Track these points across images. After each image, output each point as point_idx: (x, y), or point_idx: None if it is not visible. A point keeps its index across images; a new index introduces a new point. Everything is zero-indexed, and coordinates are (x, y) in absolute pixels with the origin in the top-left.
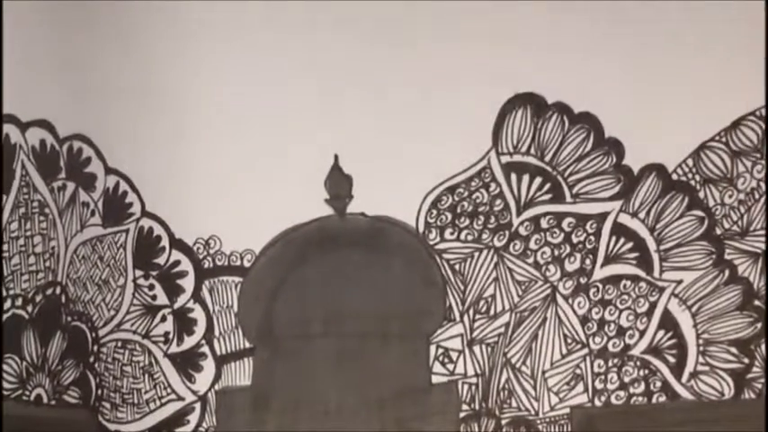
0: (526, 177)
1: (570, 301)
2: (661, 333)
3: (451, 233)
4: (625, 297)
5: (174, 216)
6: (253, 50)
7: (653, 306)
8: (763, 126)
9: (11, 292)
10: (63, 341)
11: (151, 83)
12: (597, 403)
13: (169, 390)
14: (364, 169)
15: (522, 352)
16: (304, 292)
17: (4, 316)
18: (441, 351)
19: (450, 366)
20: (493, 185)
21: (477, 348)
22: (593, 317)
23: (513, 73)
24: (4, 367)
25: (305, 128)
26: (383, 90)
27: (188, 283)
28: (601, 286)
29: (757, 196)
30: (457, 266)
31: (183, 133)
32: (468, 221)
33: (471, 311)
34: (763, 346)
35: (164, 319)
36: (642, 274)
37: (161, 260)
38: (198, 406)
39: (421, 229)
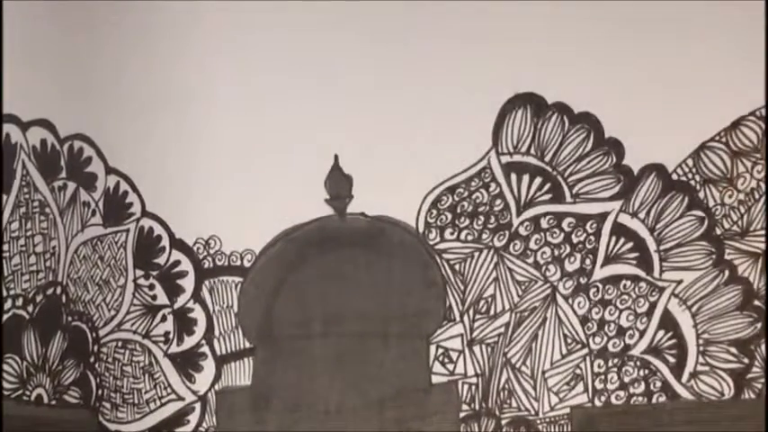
0: (526, 177)
1: (570, 301)
2: (661, 333)
3: (451, 233)
4: (625, 297)
5: (175, 216)
6: (253, 51)
7: (653, 306)
8: (763, 126)
9: (11, 292)
10: (63, 341)
11: (152, 83)
12: (597, 403)
13: (169, 390)
14: (364, 169)
15: (522, 352)
16: (304, 292)
17: (5, 316)
18: (441, 351)
19: (451, 366)
20: (493, 185)
21: (477, 348)
22: (593, 317)
23: (513, 73)
24: (5, 367)
25: (305, 128)
26: (383, 90)
27: (188, 283)
28: (601, 286)
29: (757, 196)
30: (457, 266)
31: (184, 133)
32: (468, 221)
33: (471, 311)
34: (763, 347)
35: (164, 318)
36: (642, 274)
37: (161, 260)
38: (198, 406)
39: (421, 229)
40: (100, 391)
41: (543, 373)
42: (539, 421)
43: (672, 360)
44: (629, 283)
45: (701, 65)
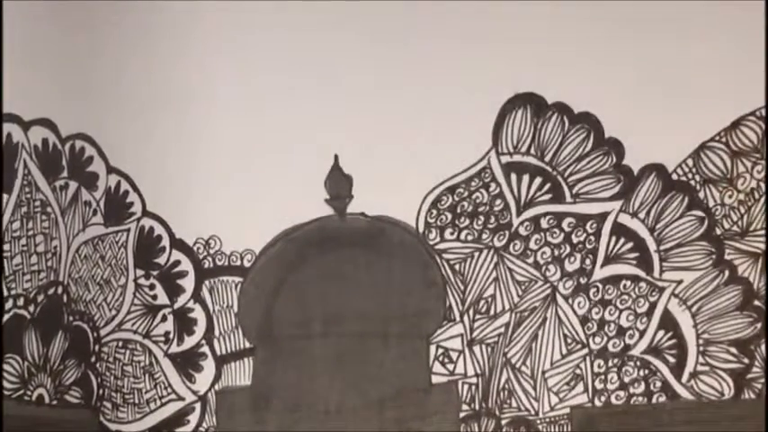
0: (526, 177)
1: (570, 301)
2: (661, 333)
3: (451, 233)
4: (625, 297)
5: (175, 216)
6: (253, 51)
7: (653, 306)
8: (763, 126)
9: (12, 292)
10: (65, 341)
11: (153, 83)
12: (597, 403)
13: (169, 390)
14: (364, 169)
15: (522, 352)
16: (304, 292)
17: (6, 316)
18: (441, 351)
19: (450, 366)
20: (493, 185)
21: (477, 348)
22: (593, 317)
23: (513, 73)
24: (6, 367)
25: (305, 128)
26: (383, 90)
27: (188, 282)
28: (601, 286)
29: (757, 196)
30: (457, 266)
31: (184, 133)
32: (468, 221)
33: (471, 311)
34: (763, 347)
35: (164, 318)
36: (642, 274)
37: (161, 260)
38: (198, 406)
39: (421, 229)
40: (101, 391)
41: (543, 373)
42: (539, 421)
43: (672, 360)
44: (629, 283)
45: (702, 65)
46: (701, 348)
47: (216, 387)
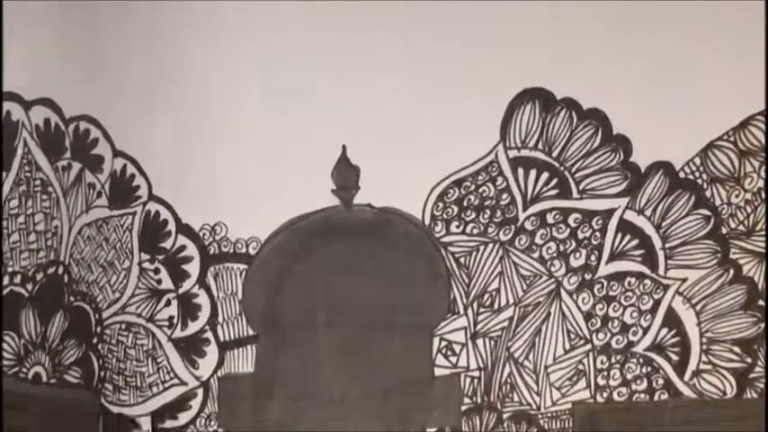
0: (533, 172)
1: (574, 296)
2: (665, 331)
3: (457, 226)
4: (629, 294)
5: (181, 201)
6: (262, 41)
7: (657, 303)
8: (766, 126)
9: (9, 270)
10: (65, 320)
11: (161, 69)
12: (599, 399)
13: (172, 374)
14: (372, 161)
15: (525, 346)
16: (309, 281)
17: (4, 291)
18: (444, 344)
19: (453, 359)
20: (500, 180)
21: (480, 342)
22: (596, 313)
23: (522, 68)
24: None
25: (314, 118)
26: (392, 83)
27: (193, 268)
28: (605, 282)
29: (764, 196)
30: (462, 260)
31: (193, 120)
32: (474, 215)
33: (475, 305)
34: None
35: (168, 303)
36: (647, 271)
37: (167, 244)
38: (200, 392)
39: (427, 221)
40: (102, 373)
41: (546, 368)
42: (540, 416)
43: (675, 358)
44: (633, 280)
45: (711, 64)
46: (705, 347)
47: (218, 373)
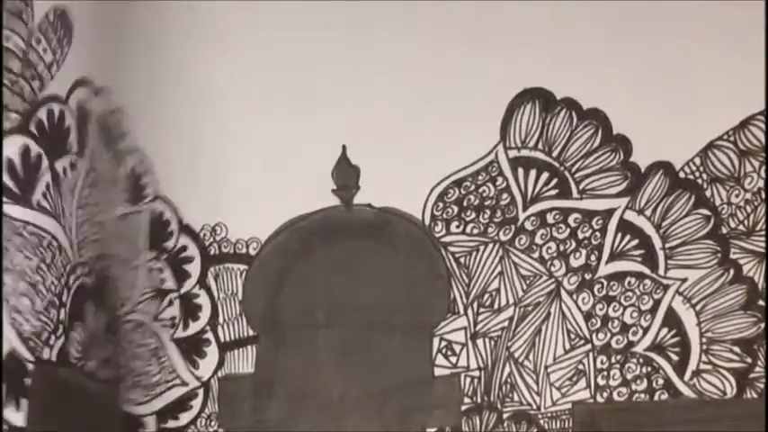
0: (533, 172)
1: (574, 296)
2: (665, 331)
3: (457, 226)
4: (629, 294)
5: (183, 201)
6: (262, 41)
7: (657, 303)
8: (766, 127)
9: (79, 260)
10: (104, 315)
11: (162, 69)
12: (599, 399)
13: (174, 374)
14: (372, 160)
15: (525, 346)
16: (309, 281)
17: (76, 283)
18: (444, 344)
19: (453, 359)
20: (500, 179)
21: (480, 342)
22: (596, 313)
23: (521, 68)
24: (74, 335)
25: (314, 118)
26: (392, 82)
27: (194, 268)
28: (605, 282)
29: (764, 196)
30: (462, 259)
31: (193, 119)
32: (474, 215)
33: (475, 305)
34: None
35: (171, 303)
36: (647, 271)
37: (170, 244)
38: (201, 392)
39: (427, 221)
40: (120, 371)
41: (546, 368)
42: (540, 416)
43: (675, 358)
44: (633, 280)
45: (711, 64)
46: (705, 347)
47: (219, 374)
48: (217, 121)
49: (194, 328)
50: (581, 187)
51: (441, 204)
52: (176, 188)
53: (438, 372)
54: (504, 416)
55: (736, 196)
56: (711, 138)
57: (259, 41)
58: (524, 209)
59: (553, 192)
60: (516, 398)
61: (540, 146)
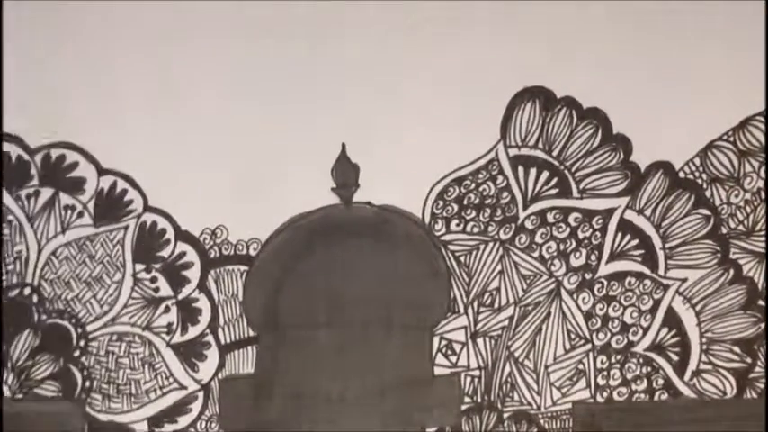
0: (533, 171)
1: (575, 296)
2: (665, 331)
3: (457, 225)
4: (629, 294)
5: (180, 208)
6: (260, 42)
7: (657, 303)
8: (765, 127)
9: None
10: (35, 338)
11: (150, 76)
12: (599, 399)
13: (171, 379)
14: (371, 159)
15: (525, 346)
16: (309, 281)
17: None
18: (444, 343)
19: (453, 358)
20: (500, 178)
21: (480, 341)
22: (597, 313)
23: (522, 67)
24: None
25: (313, 117)
26: (392, 81)
27: (194, 273)
28: (605, 282)
29: (763, 196)
30: (462, 258)
31: (184, 125)
32: (474, 213)
33: (476, 304)
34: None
35: (167, 310)
36: (647, 271)
37: (165, 252)
38: (201, 394)
39: (427, 219)
40: (87, 384)
41: (546, 367)
42: (540, 415)
43: (675, 358)
44: (633, 279)
45: (711, 65)
46: (705, 347)
47: (219, 375)
48: (213, 124)
49: (194, 332)
50: (581, 187)
51: (441, 203)
52: (172, 197)
53: (438, 371)
54: (505, 415)
55: (736, 196)
56: (711, 138)
57: (257, 42)
58: (524, 208)
59: (553, 191)
60: (516, 397)
61: (540, 145)
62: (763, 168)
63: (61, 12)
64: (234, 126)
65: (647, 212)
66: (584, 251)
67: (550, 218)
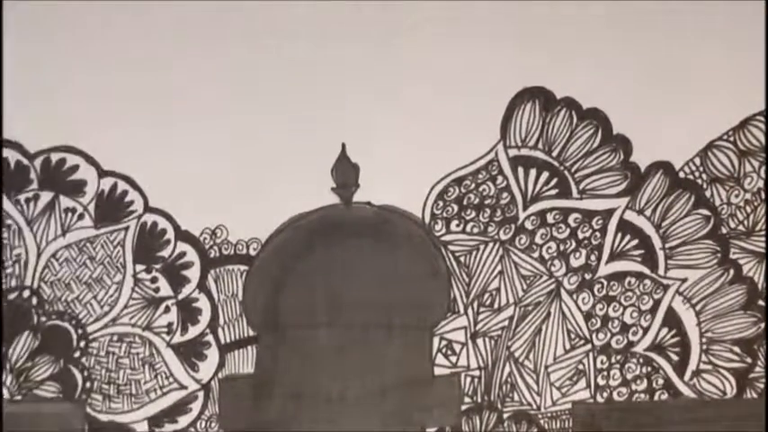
0: (533, 171)
1: (575, 296)
2: (664, 331)
3: (457, 225)
4: (629, 294)
5: (181, 208)
6: (260, 43)
7: (657, 303)
8: (765, 126)
9: None
10: (34, 340)
11: (145, 83)
12: (599, 399)
13: (171, 379)
14: (372, 159)
15: (525, 346)
16: (309, 281)
17: None
18: (444, 343)
19: (453, 358)
20: (500, 178)
21: (480, 341)
22: (596, 313)
23: (522, 67)
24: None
25: (313, 117)
26: (392, 81)
27: (194, 273)
28: (605, 282)
29: (764, 196)
30: (462, 258)
31: (184, 125)
32: (474, 214)
33: (476, 304)
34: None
35: (167, 310)
36: (647, 271)
37: (165, 253)
38: (201, 394)
39: (427, 220)
40: (88, 384)
41: (546, 367)
42: (540, 416)
43: (675, 358)
44: (633, 280)
45: (711, 65)
46: (705, 347)
47: (219, 375)
48: (212, 125)
49: (194, 331)
50: (581, 187)
51: (441, 203)
52: (172, 197)
53: (438, 371)
54: (505, 415)
55: (736, 196)
56: (711, 138)
57: (255, 43)
58: (524, 208)
59: (553, 191)
60: (516, 398)
61: (540, 145)
62: (763, 168)
63: (61, 12)
64: (233, 126)
65: (647, 213)
66: (583, 251)
67: (550, 218)
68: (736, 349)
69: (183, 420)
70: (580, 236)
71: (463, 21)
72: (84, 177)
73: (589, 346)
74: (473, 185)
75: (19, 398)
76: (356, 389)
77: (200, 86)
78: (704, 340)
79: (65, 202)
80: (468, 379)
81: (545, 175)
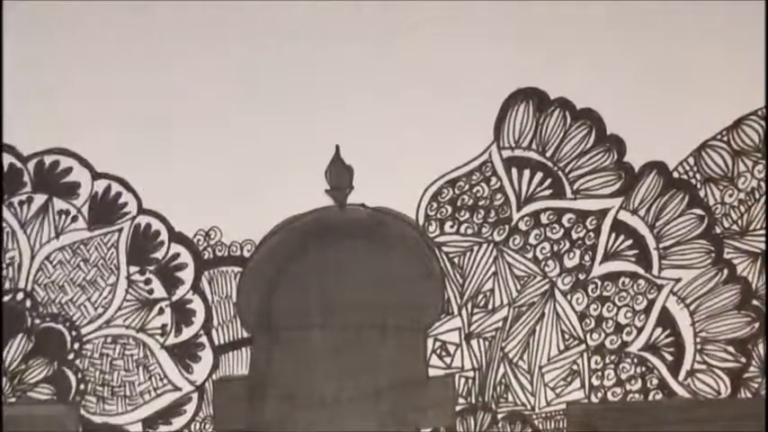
0: (527, 172)
1: (569, 297)
2: (659, 331)
3: (451, 226)
4: (623, 294)
5: (174, 210)
6: (257, 43)
7: (651, 303)
8: (765, 126)
9: None
10: (28, 342)
11: (141, 84)
12: (594, 399)
13: (165, 381)
14: (365, 160)
15: (519, 347)
16: (303, 282)
17: None
18: (438, 344)
19: (448, 360)
20: (494, 179)
21: (474, 342)
22: (591, 313)
23: (516, 68)
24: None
25: (307, 119)
26: (386, 83)
27: (187, 274)
28: (599, 283)
29: (758, 196)
30: (456, 260)
31: (178, 127)
32: (468, 215)
33: (470, 305)
34: (761, 346)
35: (161, 311)
36: (641, 271)
37: (159, 254)
38: (195, 396)
39: (421, 221)
40: (82, 386)
41: (540, 368)
42: (535, 416)
43: (669, 358)
44: (627, 280)
45: (705, 64)
46: (699, 347)
47: (213, 377)
48: (207, 126)
49: (188, 333)
50: (575, 187)
51: (435, 204)
52: (166, 198)
53: (432, 372)
54: (499, 416)
55: (730, 196)
56: (705, 138)
57: (253, 44)
58: (518, 209)
59: (547, 192)
60: (511, 398)
61: (533, 146)
62: (757, 168)
63: (60, 12)
64: (228, 127)
65: (641, 213)
66: (577, 252)
67: (544, 219)
68: (731, 349)
69: (178, 422)
70: (574, 236)
71: (463, 21)
72: (77, 179)
73: (583, 347)
74: (467, 187)
75: (13, 400)
76: (350, 390)
77: (196, 88)
78: (698, 340)
79: (58, 204)
80: (463, 380)
81: (539, 175)
